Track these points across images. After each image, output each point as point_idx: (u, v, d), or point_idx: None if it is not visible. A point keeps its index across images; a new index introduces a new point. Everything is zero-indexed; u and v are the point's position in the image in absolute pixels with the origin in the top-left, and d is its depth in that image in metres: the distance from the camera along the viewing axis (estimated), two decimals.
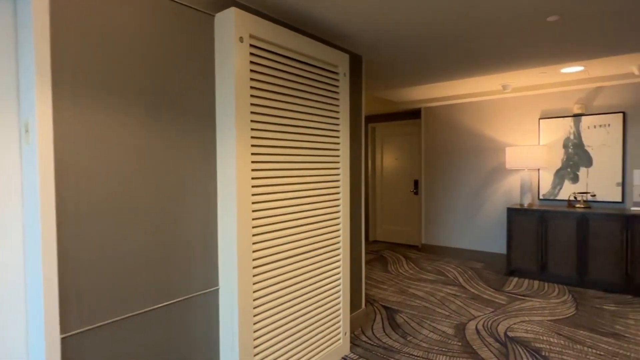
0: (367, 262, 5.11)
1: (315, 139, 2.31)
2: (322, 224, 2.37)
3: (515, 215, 4.35)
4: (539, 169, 4.64)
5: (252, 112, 1.90)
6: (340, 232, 2.53)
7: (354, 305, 3.06)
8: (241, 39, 1.81)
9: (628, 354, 2.60)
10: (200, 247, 1.84)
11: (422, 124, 5.64)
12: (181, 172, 1.77)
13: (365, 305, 3.55)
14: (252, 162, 1.91)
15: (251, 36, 1.88)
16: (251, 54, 1.89)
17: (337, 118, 2.49)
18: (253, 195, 1.92)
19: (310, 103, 2.27)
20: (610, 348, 2.68)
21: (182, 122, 1.77)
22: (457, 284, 4.12)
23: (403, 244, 6.21)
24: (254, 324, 1.92)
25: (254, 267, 1.92)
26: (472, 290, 3.93)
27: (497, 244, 4.99)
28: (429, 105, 5.44)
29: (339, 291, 2.52)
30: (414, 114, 6.02)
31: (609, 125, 4.20)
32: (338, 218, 2.51)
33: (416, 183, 6.03)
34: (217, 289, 1.92)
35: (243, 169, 1.84)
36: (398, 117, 6.22)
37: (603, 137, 4.23)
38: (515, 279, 4.29)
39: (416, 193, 6.03)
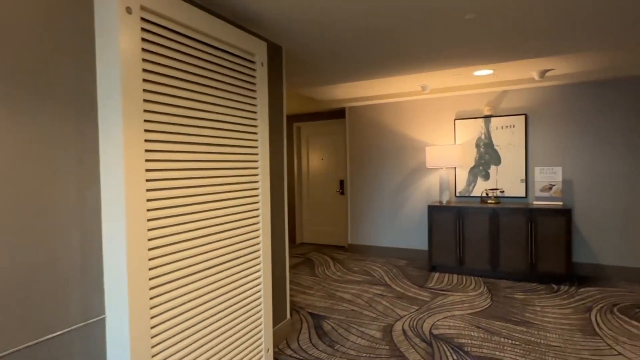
0: (293, 267, 4.92)
1: (229, 134, 2.03)
2: (238, 231, 2.09)
3: (435, 212, 4.50)
4: (455, 168, 4.87)
5: (145, 101, 1.57)
6: (260, 238, 2.28)
7: (278, 316, 2.83)
8: (129, 10, 1.48)
9: (537, 340, 2.74)
10: (77, 267, 1.46)
11: (346, 123, 5.61)
12: (49, 174, 1.38)
13: (291, 314, 3.34)
14: (147, 160, 1.58)
15: (143, 8, 1.54)
16: (144, 29, 1.56)
17: (255, 112, 2.24)
18: (149, 200, 1.58)
19: (222, 94, 1.99)
20: (522, 337, 2.81)
21: (49, 111, 1.38)
22: (383, 284, 4.11)
23: (330, 245, 6.14)
24: (152, 356, 1.59)
25: (151, 288, 1.59)
26: (398, 289, 3.95)
27: (419, 241, 5.14)
28: (353, 104, 5.43)
29: (259, 304, 2.27)
30: (339, 113, 5.99)
31: (513, 126, 4.54)
32: (257, 223, 2.26)
33: (342, 183, 6.00)
34: (103, 318, 1.55)
35: (134, 168, 1.50)
36: (323, 116, 6.14)
37: (509, 137, 4.57)
38: (437, 274, 4.43)
39: (342, 193, 6.00)
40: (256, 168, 2.25)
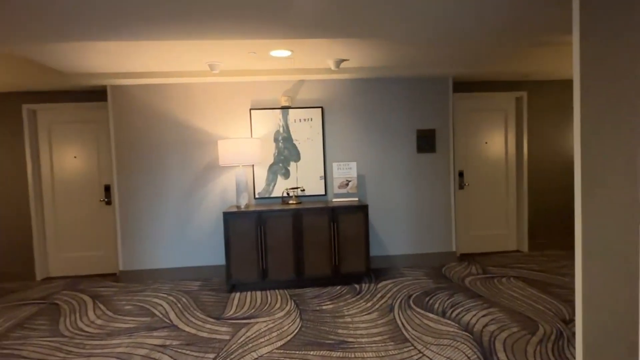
0: (20, 324, 3.16)
1: None
2: None
3: (232, 219, 3.70)
4: (253, 165, 4.21)
5: None
6: None
7: None
8: None
9: None
10: None
11: (110, 107, 4.12)
12: None
13: None
14: None
15: None
16: None
17: None
18: None
19: None
20: None
21: None
22: (167, 325, 3.02)
23: (95, 275, 4.49)
24: None
25: None
26: (188, 329, 2.95)
27: (216, 256, 4.25)
28: (118, 82, 4.00)
29: None
30: (98, 93, 4.39)
31: (311, 119, 4.23)
32: None
33: (107, 189, 4.44)
34: None
35: None
36: (73, 96, 4.39)
37: (308, 131, 4.24)
38: (238, 295, 3.66)
39: (108, 203, 4.45)
40: None
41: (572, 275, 3.84)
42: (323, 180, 4.26)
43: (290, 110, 4.20)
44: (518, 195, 4.90)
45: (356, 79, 4.26)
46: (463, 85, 4.69)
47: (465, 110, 4.78)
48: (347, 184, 4.16)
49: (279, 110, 4.20)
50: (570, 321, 2.81)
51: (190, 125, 4.17)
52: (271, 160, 4.22)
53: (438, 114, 4.39)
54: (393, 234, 4.40)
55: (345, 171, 4.16)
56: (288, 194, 4.17)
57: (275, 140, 4.21)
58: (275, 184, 4.23)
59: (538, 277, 3.85)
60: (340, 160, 4.29)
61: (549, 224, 4.89)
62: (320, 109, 4.22)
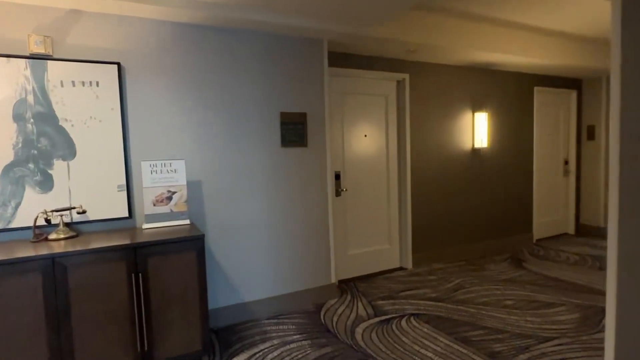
0: None
1: None
2: None
3: None
4: None
5: None
6: None
7: None
8: None
9: None
10: None
11: None
12: None
13: None
14: None
15: None
16: None
17: None
18: None
19: None
20: None
21: None
22: None
23: None
24: None
25: None
26: None
27: None
28: None
29: None
30: None
31: (97, 83, 2.35)
32: None
33: None
34: None
35: None
36: None
37: (90, 104, 2.34)
38: None
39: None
40: None
41: (476, 303, 3.05)
42: (125, 193, 2.44)
43: (50, 63, 2.23)
44: (400, 201, 4.02)
45: (183, 24, 2.58)
46: (338, 58, 3.51)
47: (340, 92, 3.62)
48: (171, 198, 2.45)
49: (24, 61, 2.18)
50: None
51: None
52: (10, 158, 2.17)
53: (310, 92, 3.08)
54: (250, 271, 2.89)
55: (167, 176, 2.45)
56: (49, 220, 2.20)
57: (19, 117, 2.18)
58: (20, 204, 2.20)
59: (439, 311, 2.92)
60: (156, 158, 2.55)
61: (432, 232, 4.17)
62: (115, 67, 2.38)
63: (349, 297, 3.26)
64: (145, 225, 2.38)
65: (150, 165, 2.41)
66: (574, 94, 5.27)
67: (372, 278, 3.76)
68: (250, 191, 2.86)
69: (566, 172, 5.33)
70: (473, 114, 4.36)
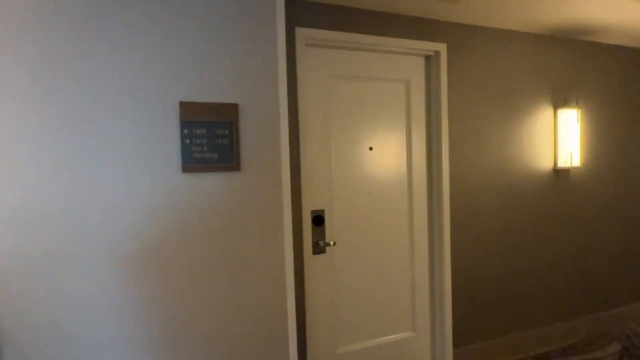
0: None
1: None
2: None
3: None
4: None
5: None
6: None
7: None
8: None
9: None
10: None
11: None
12: None
13: None
14: None
15: None
16: None
17: None
18: None
19: None
20: None
21: None
22: None
23: None
24: None
25: None
26: None
27: None
28: None
29: None
30: None
31: None
32: None
33: None
34: None
35: None
36: None
37: None
38: None
39: None
40: None
41: None
42: None
43: None
44: (432, 259, 2.41)
45: None
46: (324, 12, 2.02)
47: (324, 74, 2.11)
48: None
49: None
50: None
51: None
52: None
53: (249, 68, 1.60)
54: None
55: None
56: None
57: None
58: None
59: None
60: None
61: (487, 310, 2.51)
62: None
63: None
64: None
65: None
66: None
67: None
68: (102, 263, 1.40)
69: None
70: (555, 113, 2.68)
